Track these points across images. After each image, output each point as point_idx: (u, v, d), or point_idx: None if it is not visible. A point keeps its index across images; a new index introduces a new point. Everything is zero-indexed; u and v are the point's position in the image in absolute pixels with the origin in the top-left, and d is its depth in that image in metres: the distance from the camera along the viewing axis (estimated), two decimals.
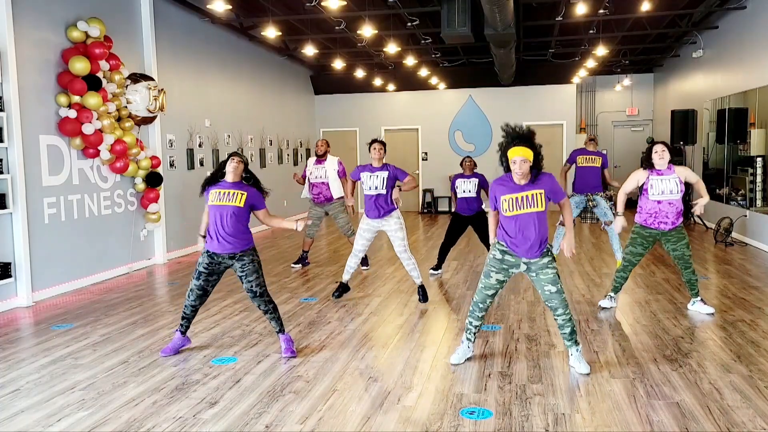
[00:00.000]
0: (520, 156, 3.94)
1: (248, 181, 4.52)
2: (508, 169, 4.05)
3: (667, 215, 5.22)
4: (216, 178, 4.50)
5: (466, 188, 7.09)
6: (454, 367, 4.21)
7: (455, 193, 7.27)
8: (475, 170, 7.23)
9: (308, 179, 7.85)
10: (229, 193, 4.38)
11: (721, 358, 4.30)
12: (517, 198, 3.99)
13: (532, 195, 3.97)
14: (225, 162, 4.49)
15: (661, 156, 5.19)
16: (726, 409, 3.47)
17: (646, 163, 5.29)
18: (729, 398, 3.61)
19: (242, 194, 4.38)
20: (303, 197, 8.03)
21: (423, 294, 6.00)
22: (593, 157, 7.31)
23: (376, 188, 5.83)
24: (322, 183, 7.72)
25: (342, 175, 7.75)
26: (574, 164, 7.42)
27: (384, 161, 5.98)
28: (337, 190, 7.76)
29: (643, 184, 5.30)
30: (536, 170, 4.02)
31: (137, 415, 3.52)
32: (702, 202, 5.37)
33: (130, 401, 3.73)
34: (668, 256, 5.45)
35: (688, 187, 5.36)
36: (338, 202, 7.79)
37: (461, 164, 7.28)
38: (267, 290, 4.50)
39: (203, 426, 3.38)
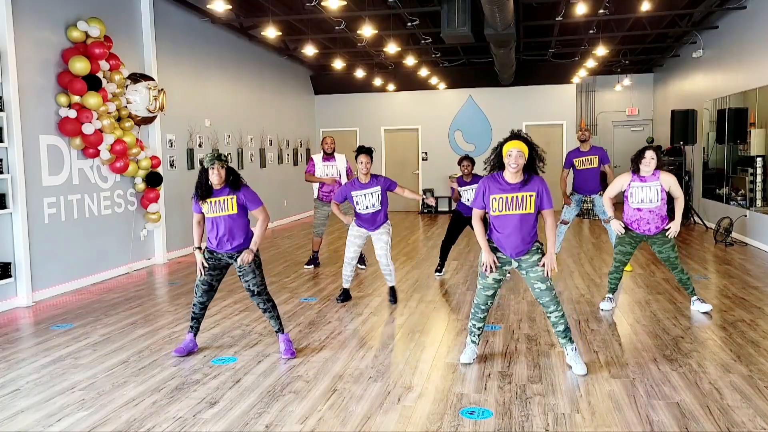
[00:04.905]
0: (516, 148, 3.87)
1: (228, 181, 4.34)
2: (497, 168, 4.01)
3: (649, 222, 5.22)
4: (203, 187, 4.34)
5: (467, 197, 7.04)
6: (463, 366, 4.21)
7: (456, 194, 7.24)
8: (473, 173, 7.16)
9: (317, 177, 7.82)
10: (219, 201, 4.33)
11: (721, 358, 4.30)
12: (507, 198, 3.96)
13: (522, 197, 3.94)
14: (205, 170, 4.30)
15: (647, 164, 5.12)
16: (726, 409, 3.47)
17: (634, 165, 5.23)
18: (729, 398, 3.61)
19: (232, 199, 4.34)
20: (316, 197, 8.03)
21: (393, 295, 5.98)
22: (589, 157, 7.16)
23: (373, 206, 5.70)
24: (334, 181, 7.73)
25: (350, 173, 7.79)
26: (572, 168, 7.30)
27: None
28: None
29: (624, 190, 5.29)
30: (529, 172, 3.96)
31: (137, 415, 3.52)
32: (674, 227, 5.21)
33: (130, 401, 3.73)
34: None
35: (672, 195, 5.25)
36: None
37: (460, 165, 7.12)
38: (266, 289, 4.51)
39: (203, 426, 3.38)
